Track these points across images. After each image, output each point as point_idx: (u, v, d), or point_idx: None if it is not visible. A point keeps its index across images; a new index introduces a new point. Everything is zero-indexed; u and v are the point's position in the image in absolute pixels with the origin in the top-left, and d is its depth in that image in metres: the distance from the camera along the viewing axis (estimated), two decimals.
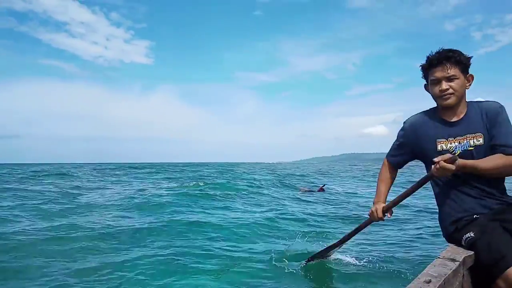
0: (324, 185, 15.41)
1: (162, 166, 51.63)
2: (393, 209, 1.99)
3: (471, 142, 1.69)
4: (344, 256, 4.16)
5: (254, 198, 11.54)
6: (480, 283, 1.62)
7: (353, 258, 4.16)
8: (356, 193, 13.94)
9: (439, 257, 1.60)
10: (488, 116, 1.69)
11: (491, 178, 1.68)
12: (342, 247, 3.26)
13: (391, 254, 4.25)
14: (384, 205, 1.97)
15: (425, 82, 1.84)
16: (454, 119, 1.75)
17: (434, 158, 1.61)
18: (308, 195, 13.18)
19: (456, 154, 1.68)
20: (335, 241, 3.03)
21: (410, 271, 3.64)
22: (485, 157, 1.65)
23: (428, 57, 1.75)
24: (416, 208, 8.17)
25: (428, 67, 1.75)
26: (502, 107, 1.70)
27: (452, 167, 1.54)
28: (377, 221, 2.02)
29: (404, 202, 2.16)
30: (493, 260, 1.49)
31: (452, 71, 1.68)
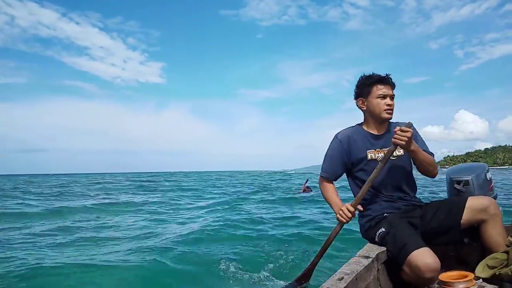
0: (307, 181, 12.40)
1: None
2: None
3: (394, 152, 1.92)
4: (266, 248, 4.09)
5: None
6: (396, 276, 1.76)
7: (278, 251, 4.08)
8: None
9: (355, 256, 1.70)
10: None
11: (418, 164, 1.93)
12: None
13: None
14: (348, 204, 1.91)
15: (359, 98, 2.01)
16: (379, 133, 2.02)
17: (366, 166, 1.94)
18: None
19: None
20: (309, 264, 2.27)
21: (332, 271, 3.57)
22: (406, 164, 1.99)
23: (371, 75, 1.97)
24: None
25: (376, 82, 1.95)
26: (412, 124, 1.95)
27: (410, 130, 1.76)
28: (349, 221, 1.89)
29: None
30: (397, 249, 1.67)
31: (393, 92, 1.97)
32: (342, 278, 1.42)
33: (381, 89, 1.93)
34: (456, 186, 2.15)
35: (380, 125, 2.00)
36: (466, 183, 2.12)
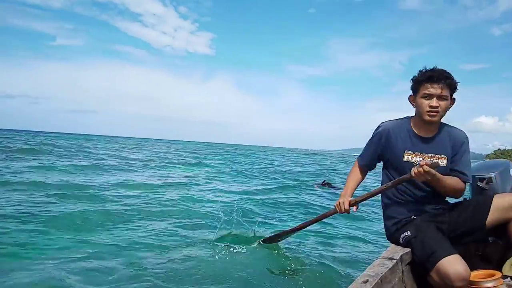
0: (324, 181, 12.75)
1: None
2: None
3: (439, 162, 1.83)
4: (292, 250, 4.00)
5: None
6: (421, 277, 1.77)
7: (301, 254, 3.95)
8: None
9: (379, 258, 1.73)
10: (454, 143, 1.89)
11: (438, 191, 1.87)
12: (297, 233, 3.26)
13: (340, 254, 4.12)
14: (351, 198, 2.04)
15: (411, 93, 1.91)
16: (425, 135, 1.89)
17: (399, 166, 1.86)
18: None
19: None
20: (292, 227, 3.04)
21: (356, 273, 3.54)
22: (442, 172, 1.82)
23: (425, 71, 1.83)
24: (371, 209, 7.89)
25: (424, 81, 1.81)
26: (467, 138, 1.91)
27: (434, 172, 1.69)
28: (342, 213, 2.04)
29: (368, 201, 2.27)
30: (426, 255, 1.65)
31: (445, 91, 1.78)
32: (367, 280, 1.44)
33: (427, 88, 1.79)
34: (479, 183, 2.13)
35: (428, 127, 1.87)
36: (490, 180, 2.09)
